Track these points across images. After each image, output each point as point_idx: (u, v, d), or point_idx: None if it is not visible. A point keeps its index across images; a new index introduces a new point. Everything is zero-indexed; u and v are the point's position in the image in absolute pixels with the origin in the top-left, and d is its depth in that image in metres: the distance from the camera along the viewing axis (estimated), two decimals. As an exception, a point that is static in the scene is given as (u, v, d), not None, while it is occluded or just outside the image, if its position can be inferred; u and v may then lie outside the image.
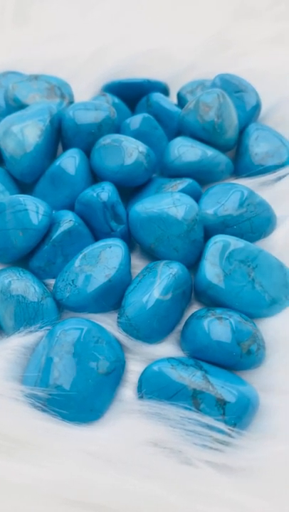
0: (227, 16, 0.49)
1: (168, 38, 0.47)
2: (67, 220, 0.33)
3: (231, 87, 0.41)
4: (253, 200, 0.34)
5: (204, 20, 0.49)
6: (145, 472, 0.24)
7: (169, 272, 0.30)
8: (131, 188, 0.38)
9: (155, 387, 0.27)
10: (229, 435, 0.25)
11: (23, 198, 0.32)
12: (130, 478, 0.24)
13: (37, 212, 0.32)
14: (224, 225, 0.33)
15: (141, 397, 0.27)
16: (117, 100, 0.42)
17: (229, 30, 0.48)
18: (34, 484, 0.24)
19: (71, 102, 0.42)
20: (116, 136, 0.36)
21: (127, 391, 0.28)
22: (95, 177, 0.37)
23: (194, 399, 0.26)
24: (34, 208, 0.32)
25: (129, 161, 0.35)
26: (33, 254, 0.32)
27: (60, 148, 0.39)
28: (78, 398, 0.26)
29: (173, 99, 0.45)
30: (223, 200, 0.34)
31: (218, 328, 0.28)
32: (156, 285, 0.29)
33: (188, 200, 0.33)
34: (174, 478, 0.24)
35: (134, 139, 0.36)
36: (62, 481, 0.24)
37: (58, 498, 0.24)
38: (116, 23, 0.49)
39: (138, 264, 0.34)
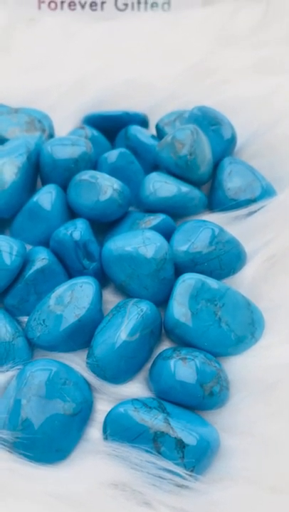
0: (207, 44, 0.49)
1: (148, 67, 0.48)
2: (41, 259, 0.34)
3: (207, 119, 0.42)
4: (222, 238, 0.35)
5: (184, 49, 0.49)
6: (105, 515, 0.25)
7: (136, 312, 0.31)
8: (107, 222, 0.39)
9: (119, 429, 0.28)
10: (187, 479, 0.26)
11: (-3, 237, 0.33)
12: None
13: (10, 253, 0.33)
14: (194, 263, 0.34)
15: (106, 438, 0.28)
16: (96, 133, 0.43)
17: (209, 59, 0.48)
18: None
19: (51, 135, 0.43)
20: (92, 172, 0.37)
21: (94, 431, 0.29)
22: (72, 212, 0.38)
23: (155, 442, 0.27)
24: (7, 249, 0.33)
25: (103, 197, 0.36)
26: (7, 292, 0.33)
27: (39, 180, 0.40)
28: (45, 439, 0.27)
29: (153, 128, 0.46)
30: (193, 238, 0.35)
31: (182, 369, 0.29)
32: (124, 326, 0.30)
33: (158, 239, 0.34)
34: (133, 521, 0.25)
35: (109, 176, 0.37)
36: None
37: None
38: (96, 52, 0.50)
39: (112, 299, 0.35)
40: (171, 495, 0.26)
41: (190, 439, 0.27)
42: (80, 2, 0.54)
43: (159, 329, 0.33)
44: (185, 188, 0.38)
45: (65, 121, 0.45)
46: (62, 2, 0.54)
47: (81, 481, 0.26)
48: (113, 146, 0.44)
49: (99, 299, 0.33)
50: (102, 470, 0.27)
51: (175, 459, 0.26)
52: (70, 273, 0.35)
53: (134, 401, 0.29)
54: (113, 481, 0.26)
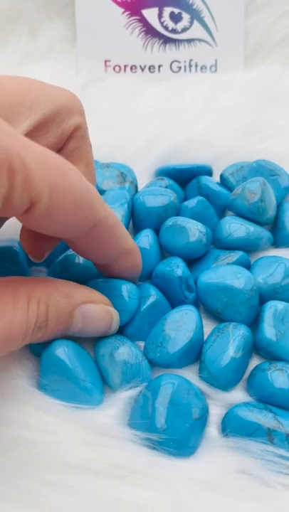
0: (254, 104, 0.58)
1: (205, 126, 0.57)
2: (151, 295, 0.41)
3: (267, 171, 0.50)
4: (295, 271, 0.43)
5: (234, 109, 0.58)
6: (238, 494, 0.32)
7: (238, 334, 0.38)
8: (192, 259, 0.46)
9: (237, 427, 0.35)
10: (298, 463, 0.33)
11: (117, 282, 0.41)
12: (227, 498, 0.32)
13: (129, 297, 0.40)
14: (275, 292, 0.42)
15: (226, 435, 0.35)
16: (171, 182, 0.51)
17: (257, 117, 0.57)
18: (151, 505, 0.32)
19: (136, 186, 0.51)
20: (181, 218, 0.45)
21: (212, 430, 0.36)
22: (162, 251, 0.46)
23: (269, 435, 0.34)
24: (126, 293, 0.40)
25: (192, 239, 0.44)
26: (127, 324, 0.40)
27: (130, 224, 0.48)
28: (179, 438, 0.34)
29: (215, 177, 0.54)
30: (271, 271, 0.43)
31: (280, 378, 0.37)
32: (230, 345, 0.38)
33: (246, 273, 0.41)
34: (260, 498, 0.32)
35: (195, 221, 0.45)
36: (174, 502, 0.32)
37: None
38: (159, 109, 0.59)
39: (205, 323, 0.42)
40: (286, 476, 0.33)
41: (296, 433, 0.34)
42: (140, 66, 0.63)
43: (253, 347, 0.40)
44: (256, 229, 0.46)
45: (142, 173, 0.53)
46: (125, 66, 0.63)
47: (214, 469, 0.33)
48: (185, 193, 0.52)
49: (201, 323, 0.40)
50: (229, 460, 0.34)
51: (286, 448, 0.34)
52: (172, 302, 0.43)
53: (247, 404, 0.36)
54: (239, 468, 0.33)
